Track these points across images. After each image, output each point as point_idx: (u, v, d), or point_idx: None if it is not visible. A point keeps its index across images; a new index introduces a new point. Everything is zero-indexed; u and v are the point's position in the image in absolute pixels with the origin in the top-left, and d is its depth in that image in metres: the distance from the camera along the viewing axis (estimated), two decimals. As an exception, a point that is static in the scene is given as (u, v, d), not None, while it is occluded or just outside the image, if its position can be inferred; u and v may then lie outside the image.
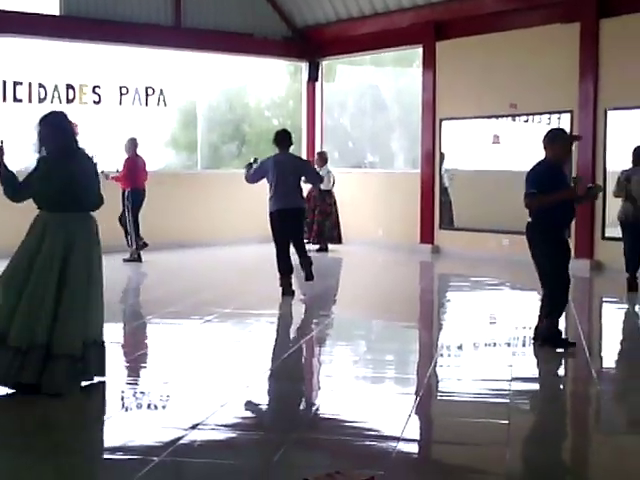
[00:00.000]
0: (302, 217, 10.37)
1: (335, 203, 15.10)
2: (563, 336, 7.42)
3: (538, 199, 7.18)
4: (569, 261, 7.38)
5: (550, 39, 12.69)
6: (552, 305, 7.30)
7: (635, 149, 10.64)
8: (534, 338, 7.41)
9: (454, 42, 14.07)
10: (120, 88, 14.63)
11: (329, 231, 14.95)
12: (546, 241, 7.26)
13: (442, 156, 14.65)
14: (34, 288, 5.71)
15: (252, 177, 10.16)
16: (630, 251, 10.52)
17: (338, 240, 15.07)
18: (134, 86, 14.74)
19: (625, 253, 10.59)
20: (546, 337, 7.25)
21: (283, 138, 10.14)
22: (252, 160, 10.30)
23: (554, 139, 7.31)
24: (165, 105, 15.11)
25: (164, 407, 5.84)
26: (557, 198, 7.18)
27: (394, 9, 14.77)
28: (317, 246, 14.93)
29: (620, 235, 11.04)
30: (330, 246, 15.13)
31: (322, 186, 14.58)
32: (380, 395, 6.17)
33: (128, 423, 5.42)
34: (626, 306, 9.96)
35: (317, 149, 17.02)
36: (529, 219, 7.45)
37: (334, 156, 17.95)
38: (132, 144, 13.27)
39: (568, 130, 12.52)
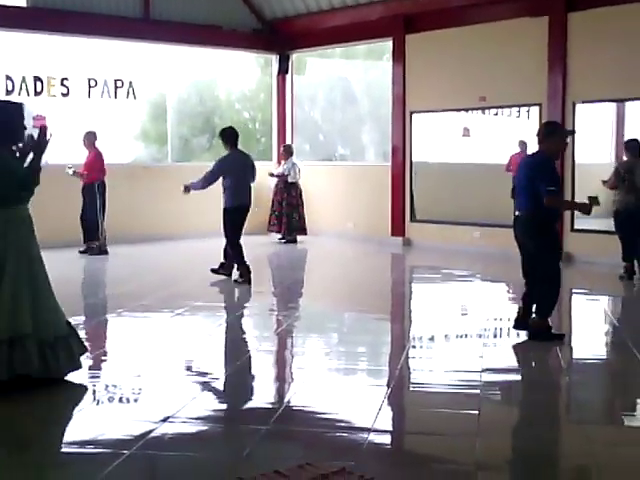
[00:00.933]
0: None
1: (301, 195, 15.29)
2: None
3: (560, 202, 7.16)
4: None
5: (519, 32, 12.75)
6: (546, 300, 7.30)
7: (630, 141, 10.82)
8: (515, 327, 7.45)
9: (424, 35, 14.10)
10: (89, 80, 14.49)
11: (297, 222, 15.13)
12: (543, 234, 7.24)
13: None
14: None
15: (211, 178, 10.68)
16: (628, 242, 10.62)
17: (303, 232, 15.23)
18: (103, 78, 14.61)
19: (623, 243, 10.70)
20: (537, 333, 7.26)
21: (235, 135, 10.62)
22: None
23: (552, 133, 7.24)
24: (134, 98, 15.00)
25: (135, 400, 5.81)
26: (575, 208, 7.16)
27: (364, 2, 14.76)
28: (285, 238, 15.18)
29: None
30: (301, 238, 15.17)
31: (289, 178, 14.75)
32: (352, 387, 6.18)
33: (99, 416, 5.39)
34: (596, 297, 10.04)
35: (287, 142, 17.01)
36: (518, 213, 7.37)
37: (305, 149, 17.96)
38: (93, 137, 13.34)
39: (537, 123, 12.66)
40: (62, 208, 13.36)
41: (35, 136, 6.24)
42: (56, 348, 5.87)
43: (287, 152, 15.46)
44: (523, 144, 13.21)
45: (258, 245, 14.14)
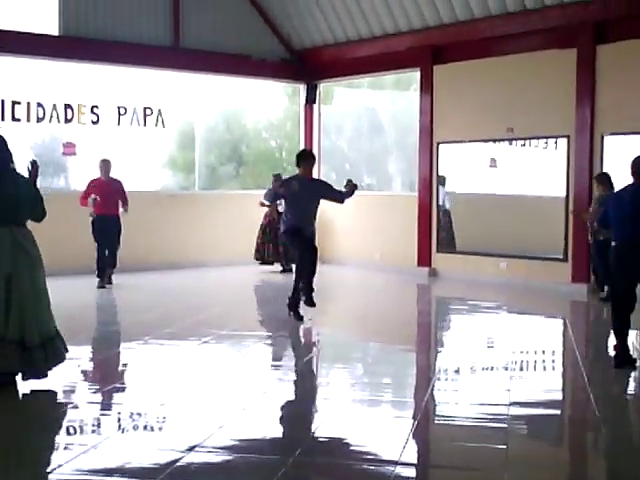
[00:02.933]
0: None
1: None
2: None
3: None
4: None
5: (547, 64, 12.76)
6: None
7: (602, 175, 11.62)
8: (618, 366, 7.49)
9: (451, 66, 14.14)
10: (118, 108, 14.66)
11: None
12: None
13: (442, 179, 14.65)
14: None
15: (275, 196, 10.67)
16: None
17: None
18: (132, 106, 14.78)
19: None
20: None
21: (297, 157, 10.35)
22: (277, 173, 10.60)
23: None
24: (163, 126, 15.14)
25: (161, 429, 5.80)
26: None
27: (392, 32, 14.84)
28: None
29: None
30: (327, 268, 15.12)
31: (279, 208, 14.51)
32: (378, 418, 6.15)
33: (125, 445, 5.39)
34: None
35: (314, 171, 17.02)
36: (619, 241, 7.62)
37: (332, 177, 17.97)
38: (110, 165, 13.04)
39: (565, 154, 12.62)
40: (78, 235, 13.49)
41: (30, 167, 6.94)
42: (44, 348, 6.62)
43: (278, 182, 15.09)
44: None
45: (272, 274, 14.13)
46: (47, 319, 6.77)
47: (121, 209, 12.92)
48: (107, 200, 12.66)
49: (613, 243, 7.67)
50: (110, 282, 12.94)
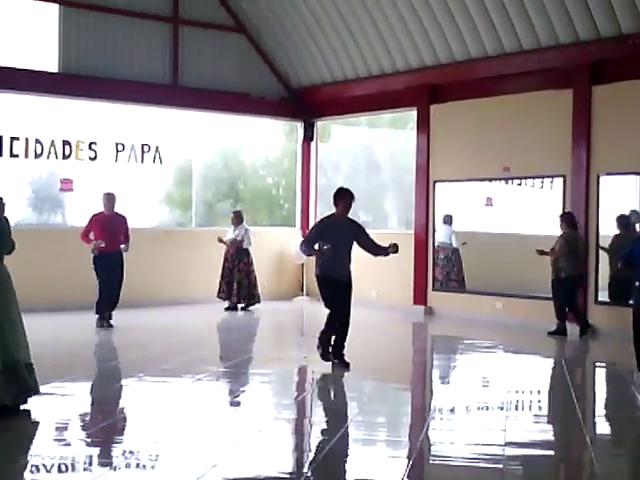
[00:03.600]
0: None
1: (252, 262, 14.82)
2: None
3: None
4: None
5: (544, 104, 12.85)
6: None
7: (567, 214, 12.23)
8: None
9: (448, 105, 14.23)
10: (116, 145, 14.71)
11: (246, 290, 14.64)
12: None
13: (449, 218, 14.64)
14: None
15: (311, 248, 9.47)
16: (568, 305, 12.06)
17: (257, 299, 14.83)
18: (130, 143, 14.84)
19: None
20: None
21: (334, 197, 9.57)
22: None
23: None
24: (161, 162, 15.19)
25: (154, 467, 5.75)
26: None
27: (389, 72, 14.97)
28: (245, 307, 14.77)
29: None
30: (315, 305, 15.04)
31: (243, 245, 14.47)
32: (372, 458, 6.10)
33: (116, 483, 5.35)
34: (620, 371, 9.91)
35: (311, 208, 17.11)
36: None
37: (328, 215, 18.01)
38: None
39: (561, 194, 12.67)
40: (74, 271, 13.48)
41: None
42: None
43: (238, 218, 14.90)
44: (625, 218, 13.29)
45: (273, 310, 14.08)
46: (12, 347, 6.84)
47: (122, 246, 12.36)
48: (110, 236, 12.16)
49: (637, 283, 8.08)
50: (110, 324, 12.24)
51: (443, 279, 14.66)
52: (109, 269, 12.18)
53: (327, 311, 9.46)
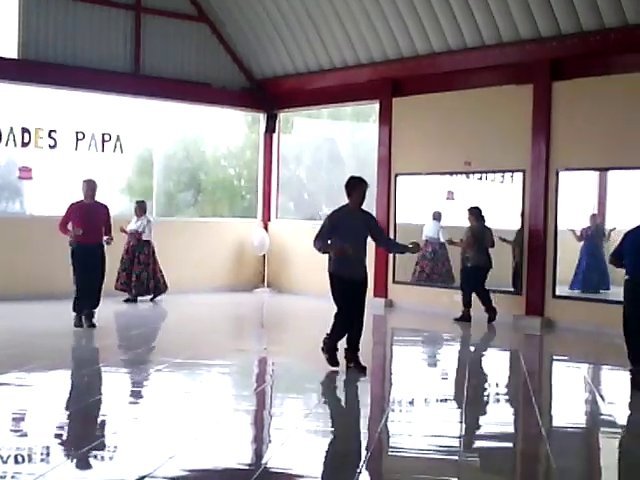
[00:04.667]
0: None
1: (154, 253, 14.48)
2: None
3: None
4: None
5: (505, 99, 12.94)
6: None
7: (474, 208, 12.80)
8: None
9: (411, 99, 14.28)
10: (77, 133, 14.57)
11: (147, 282, 14.33)
12: None
13: (438, 214, 14.69)
14: None
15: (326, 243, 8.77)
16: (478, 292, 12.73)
17: (161, 290, 14.53)
18: (91, 131, 14.69)
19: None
20: None
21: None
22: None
23: None
24: (121, 152, 15.07)
25: (111, 458, 5.73)
26: None
27: (352, 65, 14.98)
28: (129, 298, 14.25)
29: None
30: (276, 297, 15.10)
31: (144, 236, 14.18)
32: (330, 450, 6.12)
33: (74, 474, 5.31)
34: (575, 364, 10.03)
35: (273, 200, 17.09)
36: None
37: (289, 207, 18.04)
38: None
39: (520, 189, 12.78)
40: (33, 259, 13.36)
41: None
42: None
43: (141, 208, 14.50)
44: (595, 217, 13.80)
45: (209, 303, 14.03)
46: None
47: (104, 238, 11.22)
48: (90, 227, 11.01)
49: (626, 277, 8.32)
50: (92, 324, 11.08)
51: (430, 272, 14.73)
52: (88, 263, 11.06)
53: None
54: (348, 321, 8.63)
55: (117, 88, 14.94)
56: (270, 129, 17.06)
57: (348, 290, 8.58)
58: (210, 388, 8.23)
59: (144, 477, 5.09)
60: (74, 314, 11.11)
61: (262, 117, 17.16)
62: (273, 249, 16.49)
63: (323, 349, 8.78)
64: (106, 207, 11.47)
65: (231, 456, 5.95)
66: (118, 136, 14.96)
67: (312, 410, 7.35)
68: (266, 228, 16.86)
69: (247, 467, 5.55)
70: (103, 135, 14.83)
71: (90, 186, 11.26)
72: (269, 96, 16.72)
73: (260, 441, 6.51)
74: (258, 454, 6.01)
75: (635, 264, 8.13)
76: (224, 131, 17.97)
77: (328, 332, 8.77)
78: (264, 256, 16.60)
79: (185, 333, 11.36)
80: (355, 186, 8.64)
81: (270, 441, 6.45)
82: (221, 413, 7.07)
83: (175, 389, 8.03)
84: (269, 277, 16.59)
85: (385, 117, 14.68)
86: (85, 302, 11.12)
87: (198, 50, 16.00)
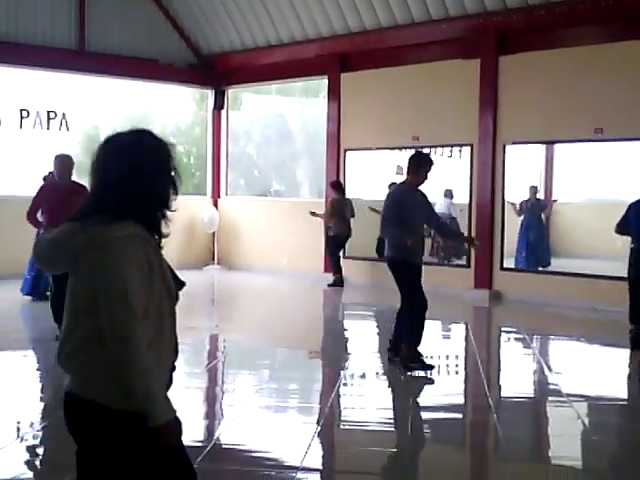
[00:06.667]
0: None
1: None
2: None
3: None
4: None
5: (452, 74, 12.99)
6: None
7: (336, 182, 13.81)
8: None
9: (359, 74, 14.28)
10: (21, 111, 14.31)
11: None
12: None
13: (449, 192, 14.54)
14: None
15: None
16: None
17: None
18: (35, 109, 14.45)
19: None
20: None
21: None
22: None
23: None
24: (67, 129, 14.85)
25: (53, 440, 5.70)
26: None
27: (300, 40, 14.91)
28: None
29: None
30: (226, 274, 15.09)
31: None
32: (282, 424, 6.16)
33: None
34: (523, 336, 10.18)
35: (222, 177, 17.01)
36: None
37: (240, 184, 17.98)
38: None
39: (468, 163, 12.89)
40: None
41: None
42: None
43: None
44: (534, 188, 13.67)
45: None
46: None
47: None
48: (65, 215, 8.39)
49: (631, 245, 8.77)
50: None
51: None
52: None
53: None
54: (425, 308, 7.78)
55: (62, 65, 14.68)
56: (218, 106, 16.93)
57: (419, 272, 7.84)
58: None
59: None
60: (57, 326, 7.91)
61: (210, 94, 17.03)
62: (223, 226, 16.43)
63: (408, 365, 7.58)
64: (85, 188, 8.74)
65: (182, 433, 5.94)
66: (64, 114, 14.74)
67: (263, 386, 7.38)
68: (216, 205, 16.79)
69: (198, 444, 5.56)
70: (48, 113, 14.60)
71: (64, 163, 9.06)
72: (217, 72, 16.60)
73: (211, 417, 6.52)
74: (209, 430, 6.02)
75: (638, 232, 8.66)
76: (172, 108, 17.81)
77: (393, 339, 7.92)
78: (214, 233, 16.55)
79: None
80: (423, 163, 7.79)
81: (222, 417, 6.47)
82: (172, 391, 7.04)
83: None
84: (219, 254, 16.54)
85: (334, 92, 14.67)
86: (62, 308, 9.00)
87: (145, 26, 15.78)
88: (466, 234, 8.34)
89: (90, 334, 2.80)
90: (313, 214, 13.98)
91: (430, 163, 7.75)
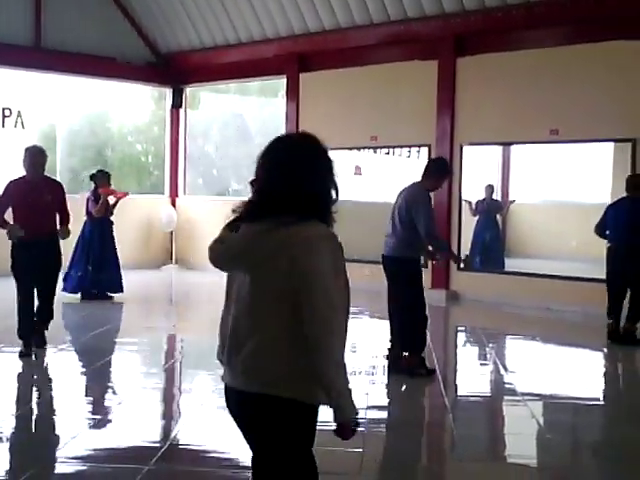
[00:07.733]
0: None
1: None
2: None
3: None
4: None
5: (410, 75, 13.05)
6: None
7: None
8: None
9: (317, 74, 14.28)
10: (-25, 109, 14.13)
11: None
12: None
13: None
14: None
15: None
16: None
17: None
18: (-10, 107, 14.27)
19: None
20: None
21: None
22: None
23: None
24: (23, 127, 14.66)
25: (8, 440, 5.63)
26: None
27: (258, 39, 14.88)
28: None
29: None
30: (184, 273, 15.01)
31: None
32: (238, 425, 6.13)
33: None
34: (479, 335, 10.25)
35: (180, 176, 16.91)
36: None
37: (198, 183, 17.89)
38: None
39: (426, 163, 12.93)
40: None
41: None
42: None
43: None
44: (490, 188, 13.53)
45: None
46: None
47: (58, 228, 8.14)
48: (38, 215, 7.88)
49: (608, 244, 9.18)
50: (44, 342, 8.15)
51: None
52: (34, 265, 7.74)
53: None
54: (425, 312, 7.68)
55: (17, 61, 14.48)
56: (177, 104, 16.83)
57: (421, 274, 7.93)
58: (118, 366, 8.15)
59: (46, 459, 5.02)
60: (21, 343, 7.89)
61: (168, 92, 16.92)
62: (181, 225, 16.35)
63: (412, 371, 7.46)
64: (60, 185, 8.50)
65: (137, 433, 5.91)
66: (19, 111, 14.56)
67: (220, 386, 7.33)
68: (174, 204, 16.69)
69: (153, 444, 5.52)
70: (3, 110, 14.41)
71: (35, 156, 8.09)
72: (175, 71, 16.50)
73: (168, 417, 6.48)
74: (165, 431, 5.99)
75: (616, 232, 9.08)
76: (130, 106, 17.67)
77: (390, 343, 7.75)
78: (172, 233, 16.45)
79: (93, 311, 11.20)
80: (443, 169, 7.97)
81: (178, 417, 6.43)
82: (128, 391, 7.01)
83: (81, 368, 7.92)
84: (177, 254, 16.45)
85: (292, 92, 14.66)
86: (30, 320, 7.92)
87: (102, 23, 15.60)
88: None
89: (277, 333, 2.90)
90: None
91: (450, 174, 8.15)
